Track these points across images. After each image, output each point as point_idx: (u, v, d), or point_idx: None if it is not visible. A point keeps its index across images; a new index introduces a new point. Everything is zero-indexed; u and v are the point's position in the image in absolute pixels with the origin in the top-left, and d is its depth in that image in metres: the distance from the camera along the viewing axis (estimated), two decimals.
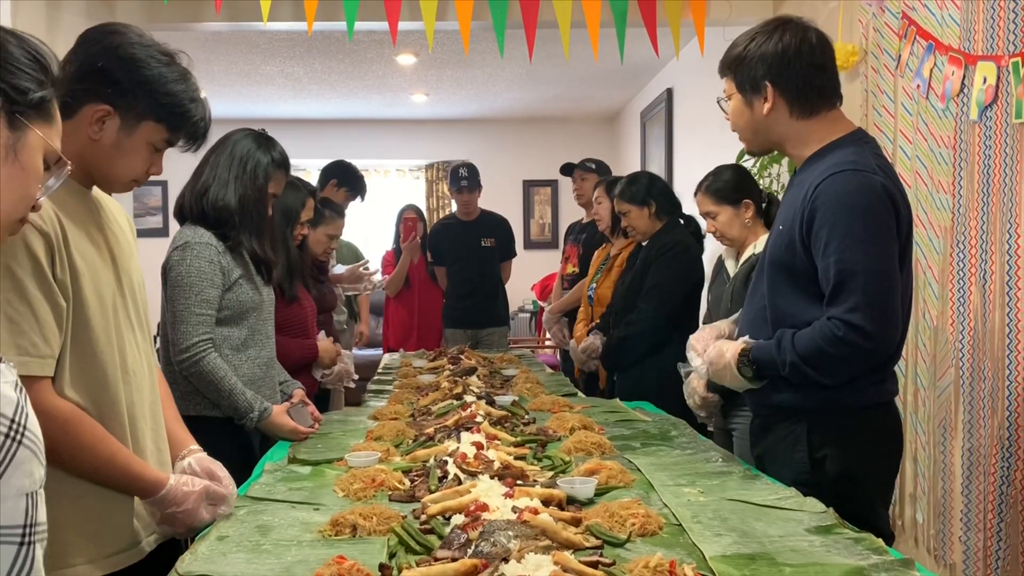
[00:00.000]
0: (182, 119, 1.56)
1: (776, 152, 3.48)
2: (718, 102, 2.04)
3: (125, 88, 1.49)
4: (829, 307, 1.78)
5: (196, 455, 1.69)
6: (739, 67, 1.92)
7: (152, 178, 1.63)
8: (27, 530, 0.79)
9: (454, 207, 5.52)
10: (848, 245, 1.75)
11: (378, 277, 4.60)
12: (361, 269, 4.26)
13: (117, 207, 1.66)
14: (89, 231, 1.49)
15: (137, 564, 1.53)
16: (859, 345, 1.74)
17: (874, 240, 1.75)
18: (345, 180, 4.59)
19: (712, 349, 1.98)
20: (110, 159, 1.51)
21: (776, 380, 1.90)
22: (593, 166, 4.85)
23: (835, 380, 1.82)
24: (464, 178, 5.11)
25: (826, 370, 1.80)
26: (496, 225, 5.28)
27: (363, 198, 4.69)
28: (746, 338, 1.94)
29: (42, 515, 0.82)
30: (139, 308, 1.60)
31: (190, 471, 1.63)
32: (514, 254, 5.40)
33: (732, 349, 1.93)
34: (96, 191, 1.59)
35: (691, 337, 2.12)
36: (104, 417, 1.46)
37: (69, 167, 1.14)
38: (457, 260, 5.17)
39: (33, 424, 0.82)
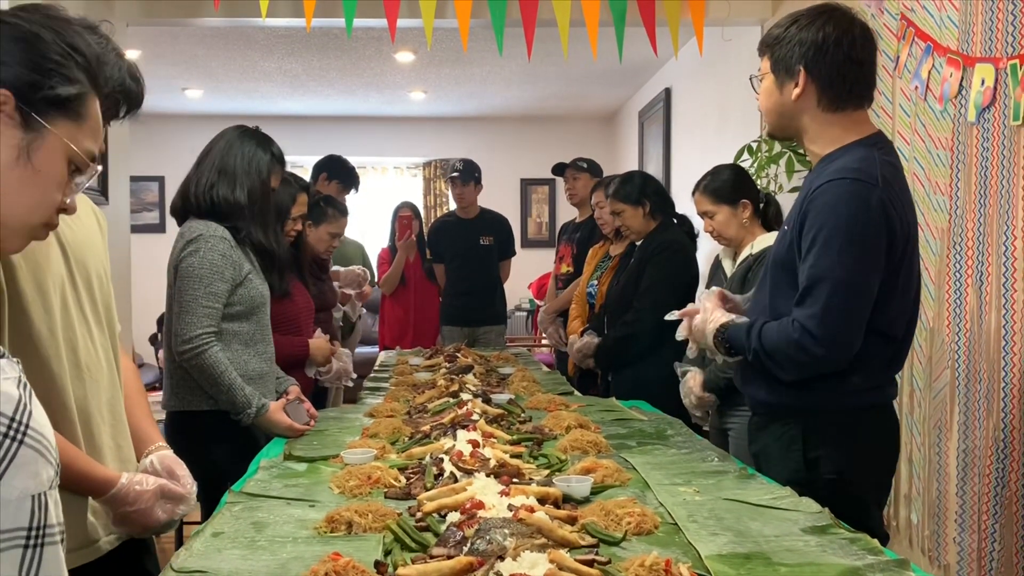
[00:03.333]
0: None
1: (781, 150, 3.48)
2: (750, 79, 2.02)
3: None
4: (795, 309, 1.82)
5: (159, 452, 1.64)
6: (776, 47, 1.90)
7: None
8: (32, 532, 0.76)
9: (452, 205, 5.52)
10: (824, 252, 1.77)
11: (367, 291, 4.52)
12: (365, 285, 4.26)
13: (82, 200, 1.58)
14: None
15: (96, 563, 1.49)
16: (810, 350, 1.78)
17: (851, 251, 1.76)
18: (335, 173, 4.58)
19: (701, 315, 2.05)
20: None
21: (772, 380, 1.91)
22: (585, 165, 4.88)
23: (789, 377, 1.87)
24: (457, 171, 5.11)
25: (780, 367, 1.87)
26: (495, 223, 5.28)
27: (356, 189, 4.69)
28: (733, 317, 2.01)
29: (53, 517, 0.78)
30: (97, 302, 1.55)
31: (151, 469, 1.59)
32: (513, 253, 5.39)
33: (715, 321, 2.00)
34: None
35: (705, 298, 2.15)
36: (49, 411, 1.42)
37: (98, 169, 1.09)
38: (455, 258, 5.17)
39: (38, 422, 0.78)
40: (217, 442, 2.31)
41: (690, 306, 2.19)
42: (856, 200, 1.77)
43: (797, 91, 1.88)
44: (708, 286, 3.15)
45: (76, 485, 1.45)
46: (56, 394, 1.43)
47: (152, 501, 1.51)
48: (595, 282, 4.11)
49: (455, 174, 5.11)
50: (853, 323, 1.79)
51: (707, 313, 2.05)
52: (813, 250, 1.79)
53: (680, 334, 2.15)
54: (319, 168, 4.64)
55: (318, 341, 3.12)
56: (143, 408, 1.72)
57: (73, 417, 1.46)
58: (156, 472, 1.58)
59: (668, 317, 2.21)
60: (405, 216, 5.12)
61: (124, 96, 1.52)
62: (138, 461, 1.63)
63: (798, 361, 1.82)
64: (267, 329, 2.53)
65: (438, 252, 5.24)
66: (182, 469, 1.62)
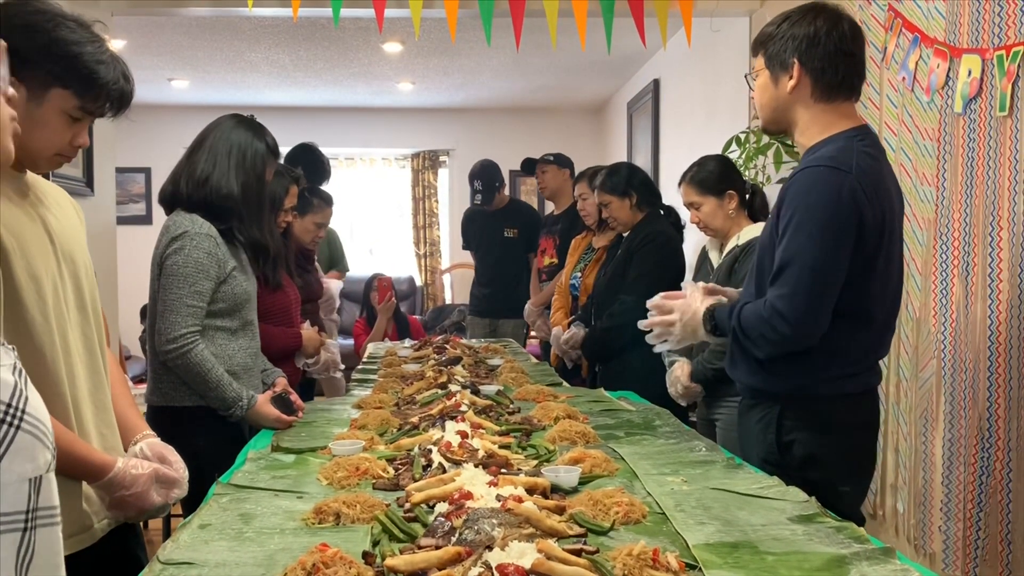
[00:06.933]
0: (89, 83, 1.49)
1: (769, 141, 3.49)
2: (745, 77, 2.12)
3: (24, 55, 1.40)
4: (769, 289, 1.91)
5: (148, 440, 1.66)
6: (770, 44, 2.00)
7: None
8: (29, 515, 0.78)
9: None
10: (795, 235, 1.86)
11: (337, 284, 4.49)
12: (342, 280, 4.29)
13: (62, 193, 1.62)
14: (21, 211, 1.45)
15: (89, 548, 1.50)
16: (778, 330, 1.88)
17: (820, 235, 1.84)
18: (304, 166, 4.55)
19: (687, 300, 2.12)
20: (24, 133, 1.38)
21: (754, 363, 1.99)
22: (552, 158, 4.97)
23: (760, 354, 1.96)
24: (479, 191, 5.15)
25: (754, 344, 1.96)
26: (521, 215, 5.26)
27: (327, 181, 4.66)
28: (720, 298, 2.10)
29: (46, 500, 0.80)
30: (83, 293, 1.57)
31: (141, 455, 1.61)
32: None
33: (706, 302, 2.09)
34: (37, 177, 1.54)
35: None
36: (44, 398, 1.43)
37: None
38: (480, 247, 5.23)
39: (35, 408, 0.80)
40: (199, 438, 2.29)
41: (661, 297, 2.20)
42: (827, 187, 1.85)
43: (792, 82, 1.96)
44: (695, 278, 3.15)
45: (74, 469, 1.47)
46: (50, 378, 1.45)
47: (148, 485, 1.54)
48: (578, 274, 4.11)
49: (477, 201, 5.14)
50: (819, 304, 1.87)
51: (695, 301, 2.10)
52: (787, 234, 1.88)
53: (651, 340, 2.19)
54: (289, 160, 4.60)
55: (309, 332, 3.12)
56: (127, 398, 1.73)
57: (66, 402, 1.47)
58: (147, 458, 1.60)
59: (641, 325, 2.20)
60: (385, 279, 5.18)
61: (118, 96, 1.54)
62: (125, 450, 1.64)
63: (768, 339, 1.91)
64: (252, 324, 2.49)
65: (468, 240, 5.34)
66: (173, 455, 1.65)
